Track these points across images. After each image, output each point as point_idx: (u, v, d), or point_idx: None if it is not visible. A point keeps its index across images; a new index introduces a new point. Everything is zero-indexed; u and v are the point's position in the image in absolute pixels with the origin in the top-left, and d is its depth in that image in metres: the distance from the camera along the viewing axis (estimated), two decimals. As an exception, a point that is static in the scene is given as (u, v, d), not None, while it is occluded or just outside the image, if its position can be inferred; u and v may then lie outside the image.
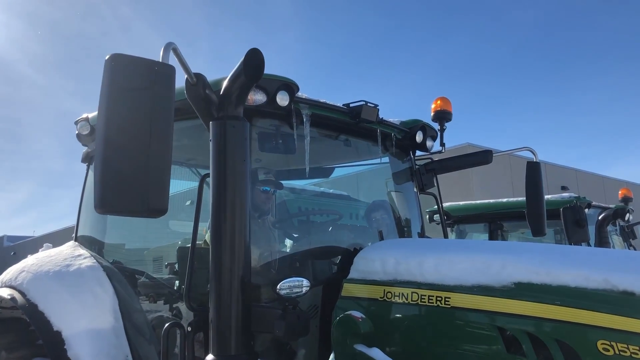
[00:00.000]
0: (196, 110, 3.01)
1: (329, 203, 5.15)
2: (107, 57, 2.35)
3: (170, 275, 4.05)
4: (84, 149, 4.65)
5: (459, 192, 13.63)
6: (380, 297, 3.18)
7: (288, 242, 4.38)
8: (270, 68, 3.04)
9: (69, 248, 4.32)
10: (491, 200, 8.74)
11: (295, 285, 2.95)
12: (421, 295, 3.01)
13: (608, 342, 2.39)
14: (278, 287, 2.89)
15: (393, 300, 3.13)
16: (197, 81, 2.92)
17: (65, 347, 3.56)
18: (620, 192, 9.74)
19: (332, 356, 3.04)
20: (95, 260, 4.03)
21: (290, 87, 3.38)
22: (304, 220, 4.43)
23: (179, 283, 3.78)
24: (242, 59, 2.87)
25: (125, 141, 2.31)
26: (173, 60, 2.62)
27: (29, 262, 4.14)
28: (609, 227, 8.45)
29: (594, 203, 8.06)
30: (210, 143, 2.97)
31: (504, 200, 8.52)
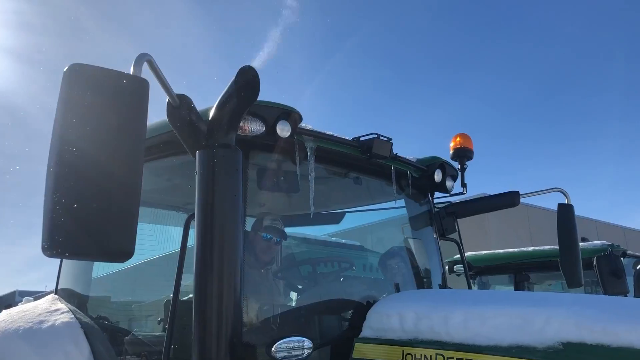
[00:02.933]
0: (180, 138, 2.61)
1: (335, 252, 4.69)
2: (65, 69, 1.96)
3: (162, 333, 3.58)
4: None
5: (475, 244, 13.07)
6: None
7: (290, 295, 3.91)
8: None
9: (47, 302, 3.89)
10: (516, 250, 8.24)
11: (295, 346, 2.50)
12: (447, 357, 2.61)
13: None
14: (273, 349, 2.43)
15: None
16: (180, 103, 2.52)
17: None
18: None
19: None
20: (73, 316, 3.59)
21: (292, 116, 3.03)
22: (309, 270, 3.95)
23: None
24: (233, 78, 2.49)
25: (82, 166, 1.89)
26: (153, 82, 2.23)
27: (0, 318, 3.68)
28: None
29: (629, 252, 7.53)
30: (196, 175, 2.54)
31: (530, 249, 8.05)
